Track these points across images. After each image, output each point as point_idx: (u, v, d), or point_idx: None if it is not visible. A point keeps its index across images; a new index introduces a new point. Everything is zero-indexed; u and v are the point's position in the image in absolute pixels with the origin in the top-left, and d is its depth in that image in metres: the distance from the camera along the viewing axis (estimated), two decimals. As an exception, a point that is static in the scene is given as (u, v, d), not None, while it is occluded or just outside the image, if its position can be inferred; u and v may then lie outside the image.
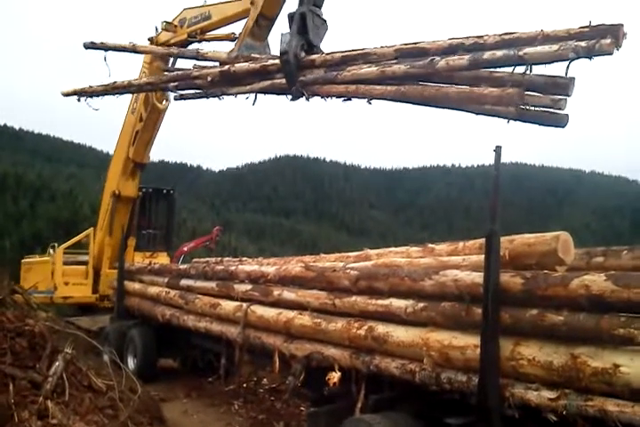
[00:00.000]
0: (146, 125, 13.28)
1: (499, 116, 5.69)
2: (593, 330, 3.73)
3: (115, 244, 13.88)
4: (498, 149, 4.51)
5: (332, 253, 9.17)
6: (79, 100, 11.34)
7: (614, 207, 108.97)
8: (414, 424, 4.97)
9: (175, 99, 10.69)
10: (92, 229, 15.24)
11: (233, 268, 8.16)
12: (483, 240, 4.66)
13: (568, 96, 5.27)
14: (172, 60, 12.40)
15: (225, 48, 10.57)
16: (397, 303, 5.18)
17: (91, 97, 11.29)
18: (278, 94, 8.23)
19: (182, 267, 10.27)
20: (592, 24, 5.04)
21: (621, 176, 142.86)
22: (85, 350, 7.61)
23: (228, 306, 7.66)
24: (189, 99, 9.89)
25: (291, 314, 6.41)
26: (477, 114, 5.89)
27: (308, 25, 7.95)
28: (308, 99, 7.76)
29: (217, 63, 9.45)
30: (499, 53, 5.43)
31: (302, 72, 7.81)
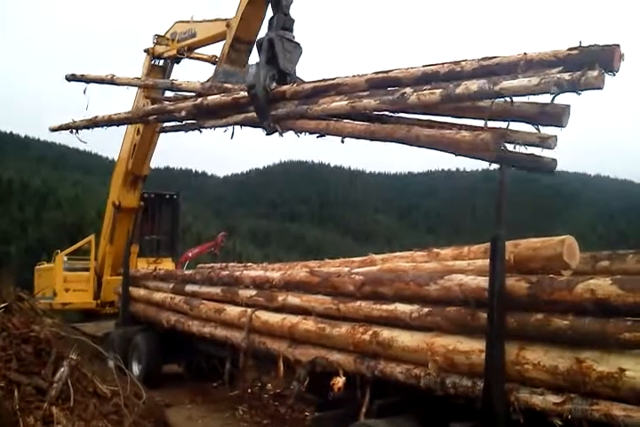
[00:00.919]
0: (143, 139, 13.30)
1: (478, 159, 5.23)
2: (598, 334, 3.71)
3: (116, 252, 13.90)
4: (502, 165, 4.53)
5: (337, 258, 9.18)
6: (71, 132, 11.47)
7: (620, 211, 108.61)
8: (419, 429, 4.95)
9: (157, 132, 10.82)
10: (92, 235, 15.28)
11: (238, 273, 8.16)
12: (488, 245, 4.66)
13: (562, 127, 4.86)
14: (168, 69, 12.57)
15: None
16: (402, 308, 5.17)
17: (76, 131, 11.39)
18: (254, 127, 7.99)
19: (187, 273, 10.28)
20: (583, 45, 4.57)
21: (627, 180, 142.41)
22: (90, 356, 7.60)
23: (232, 311, 7.66)
24: (169, 132, 9.97)
25: (295, 319, 6.41)
26: (456, 155, 5.45)
27: (277, 52, 7.68)
28: (281, 134, 7.54)
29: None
30: (473, 87, 4.98)
31: (274, 105, 7.56)
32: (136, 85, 11.51)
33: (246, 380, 9.23)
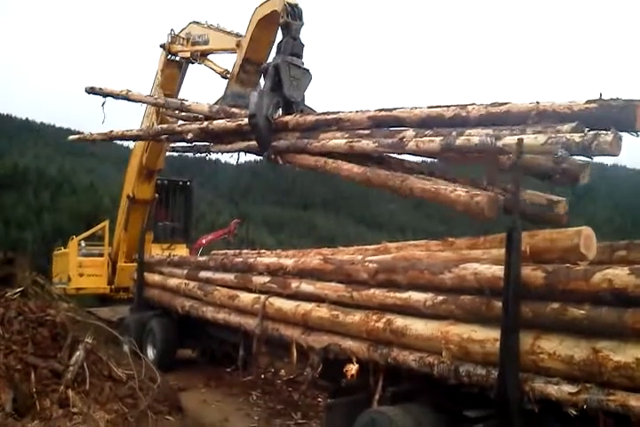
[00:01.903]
0: None
1: (473, 218, 4.88)
2: (615, 324, 3.68)
3: (130, 239, 13.99)
4: (519, 141, 4.44)
5: (351, 247, 9.17)
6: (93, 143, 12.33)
7: (638, 201, 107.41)
8: (432, 417, 4.96)
9: (167, 151, 10.83)
10: (106, 221, 15.37)
11: (251, 260, 8.18)
12: (503, 234, 4.61)
13: (578, 183, 4.51)
14: (183, 66, 12.49)
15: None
16: (416, 296, 5.15)
17: (93, 142, 12.31)
18: (257, 155, 7.89)
19: (201, 259, 10.33)
20: (602, 98, 4.22)
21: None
22: (106, 341, 7.69)
23: (246, 298, 7.68)
24: (179, 152, 10.00)
25: (309, 306, 6.41)
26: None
27: (283, 79, 7.49)
28: (282, 163, 7.41)
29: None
30: (474, 140, 4.73)
31: (276, 135, 7.42)
32: (148, 103, 11.52)
33: (260, 366, 9.28)
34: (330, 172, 6.58)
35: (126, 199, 14.27)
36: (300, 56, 7.80)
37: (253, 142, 7.79)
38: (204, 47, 11.15)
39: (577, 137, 4.03)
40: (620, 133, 4.05)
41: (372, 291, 5.67)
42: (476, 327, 4.60)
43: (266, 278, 7.48)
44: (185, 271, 10.02)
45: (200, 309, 9.05)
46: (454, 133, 5.07)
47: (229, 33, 10.21)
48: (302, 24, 7.97)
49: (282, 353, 7.16)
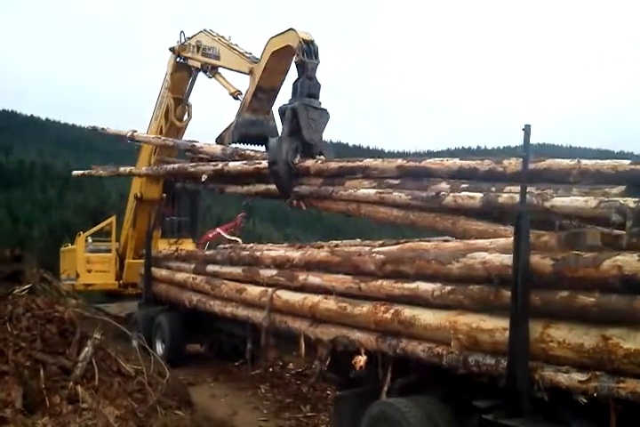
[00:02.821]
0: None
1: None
2: (625, 311, 3.64)
3: (138, 236, 13.97)
4: (527, 128, 4.39)
5: (356, 240, 9.14)
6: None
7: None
8: (441, 408, 4.95)
9: (177, 188, 10.79)
10: (114, 217, 15.37)
11: (258, 253, 8.17)
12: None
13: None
14: (193, 73, 12.35)
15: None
16: (424, 287, 5.12)
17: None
18: (276, 199, 7.76)
19: (208, 253, 10.32)
20: None
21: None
22: (114, 336, 7.71)
23: (253, 291, 7.68)
24: (191, 190, 9.96)
25: (316, 298, 6.39)
26: None
27: (301, 123, 7.40)
28: (306, 208, 7.38)
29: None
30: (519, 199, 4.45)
31: (297, 180, 7.33)
32: (155, 144, 11.42)
33: (268, 359, 9.30)
34: (364, 215, 6.48)
35: (134, 199, 14.24)
36: (316, 96, 7.69)
37: (273, 186, 7.73)
38: (215, 62, 10.92)
39: (631, 202, 3.86)
40: None
41: (379, 282, 5.65)
42: (484, 317, 4.57)
43: (273, 271, 7.47)
44: (192, 266, 10.03)
45: (208, 303, 9.05)
46: (494, 189, 4.88)
47: (242, 54, 9.93)
48: (318, 62, 7.84)
49: (290, 346, 7.15)
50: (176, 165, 9.99)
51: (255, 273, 7.85)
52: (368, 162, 6.59)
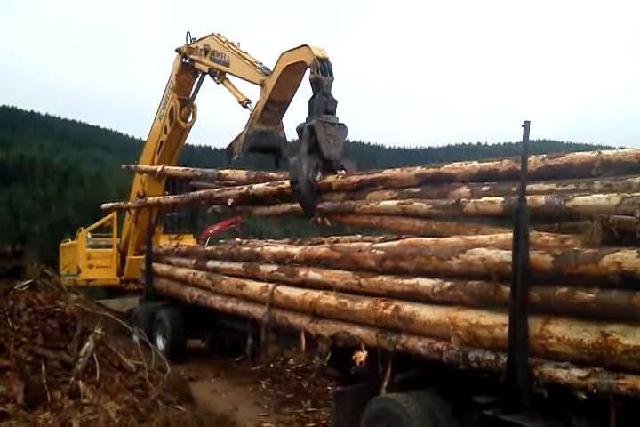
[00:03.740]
0: (170, 139, 13.13)
1: None
2: (625, 307, 3.65)
3: (140, 233, 13.97)
4: (526, 124, 4.39)
5: (356, 235, 9.14)
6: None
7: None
8: (441, 403, 4.96)
9: (208, 211, 10.92)
10: (114, 213, 15.39)
11: (259, 249, 8.18)
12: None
13: None
14: (200, 75, 12.31)
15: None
16: (424, 283, 5.13)
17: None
18: (302, 217, 7.80)
19: (209, 248, 10.34)
20: None
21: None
22: (115, 332, 7.72)
23: (254, 287, 7.69)
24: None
25: (316, 294, 6.41)
26: None
27: (319, 140, 7.41)
28: (330, 224, 7.39)
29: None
30: (540, 201, 4.45)
31: (320, 197, 7.36)
32: (185, 176, 11.48)
33: (268, 354, 9.33)
34: (387, 228, 6.47)
35: (136, 196, 14.24)
36: (333, 112, 7.69)
37: (297, 205, 7.77)
38: (224, 68, 10.80)
39: None
40: None
41: (379, 278, 5.66)
42: (484, 313, 4.58)
43: (273, 267, 7.49)
44: (193, 261, 10.04)
45: (208, 298, 9.08)
46: (514, 189, 4.82)
47: (253, 64, 9.84)
48: (333, 79, 7.83)
49: (290, 342, 7.17)
50: (202, 192, 10.12)
51: (256, 269, 7.87)
52: (387, 173, 6.60)
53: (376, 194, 6.68)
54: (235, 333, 9.43)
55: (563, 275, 4.04)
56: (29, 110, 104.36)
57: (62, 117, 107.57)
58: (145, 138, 14.77)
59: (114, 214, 15.39)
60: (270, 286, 7.30)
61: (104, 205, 14.66)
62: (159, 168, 12.19)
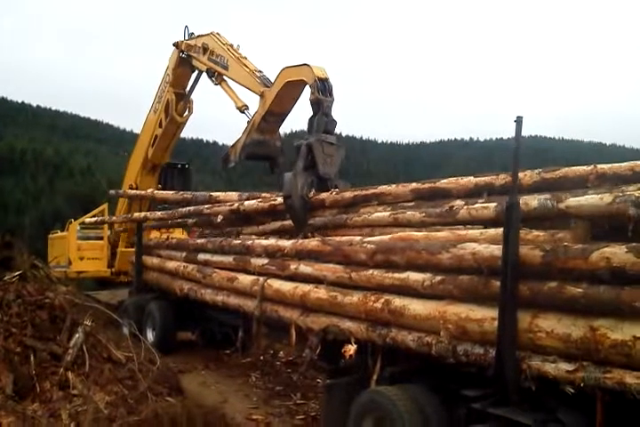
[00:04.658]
0: (165, 133, 13.10)
1: None
2: (613, 302, 3.67)
3: (131, 225, 13.96)
4: (519, 119, 4.41)
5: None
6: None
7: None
8: (430, 396, 4.98)
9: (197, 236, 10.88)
10: (106, 204, 15.35)
11: (250, 242, 8.17)
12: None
13: None
14: (196, 73, 12.23)
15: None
16: (414, 277, 5.15)
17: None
18: (292, 234, 7.80)
19: (199, 241, 10.32)
20: None
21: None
22: (105, 323, 7.72)
23: (245, 280, 7.69)
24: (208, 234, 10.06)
25: (307, 288, 6.42)
26: None
27: (316, 158, 7.49)
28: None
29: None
30: (533, 203, 4.46)
31: (312, 213, 7.40)
32: (174, 200, 11.45)
33: (259, 347, 9.34)
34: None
35: (128, 188, 14.18)
36: (332, 133, 7.79)
37: (287, 222, 7.79)
38: (222, 71, 10.79)
39: None
40: None
41: (370, 271, 5.67)
42: (473, 307, 4.60)
43: (264, 260, 7.48)
44: (183, 254, 10.03)
45: (199, 291, 9.07)
46: (508, 198, 4.78)
47: (252, 73, 9.86)
48: (333, 100, 7.92)
49: (281, 335, 7.19)
50: (192, 208, 10.10)
51: (246, 262, 7.86)
52: (382, 188, 6.62)
53: (369, 209, 6.71)
54: (225, 325, 9.44)
55: (552, 270, 4.06)
56: (20, 101, 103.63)
57: (53, 109, 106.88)
58: (137, 130, 14.76)
59: (105, 206, 15.35)
60: (261, 279, 7.30)
61: (88, 220, 14.69)
62: (149, 192, 12.10)
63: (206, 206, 9.60)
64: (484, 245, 4.66)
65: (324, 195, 7.43)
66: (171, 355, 9.45)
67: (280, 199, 7.81)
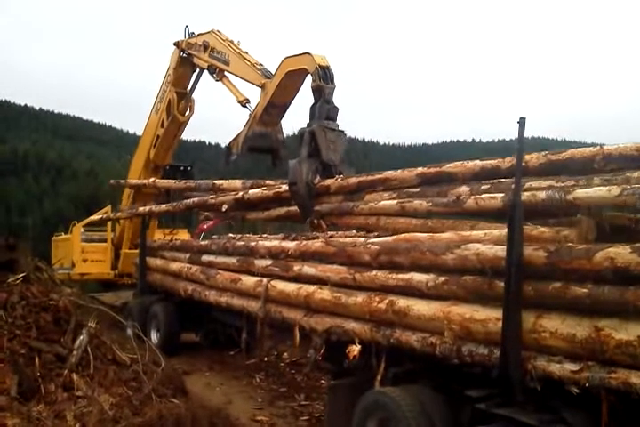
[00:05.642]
0: (166, 133, 13.12)
1: None
2: (617, 302, 3.67)
3: (135, 227, 13.98)
4: (522, 121, 4.40)
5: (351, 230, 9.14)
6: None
7: None
8: (435, 397, 4.99)
9: (200, 220, 10.89)
10: (109, 206, 15.37)
11: (253, 243, 8.19)
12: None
13: None
14: (197, 71, 12.25)
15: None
16: (418, 277, 5.15)
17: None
18: (296, 222, 7.84)
19: (203, 243, 10.34)
20: None
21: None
22: (109, 325, 7.72)
23: (248, 281, 7.70)
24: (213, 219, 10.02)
25: (311, 289, 6.42)
26: None
27: (320, 144, 7.50)
28: (326, 227, 7.39)
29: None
30: (541, 195, 4.50)
31: (318, 199, 7.39)
32: (177, 188, 11.51)
33: (263, 349, 9.33)
34: (384, 227, 6.43)
35: (130, 190, 14.20)
36: (334, 119, 7.77)
37: (293, 208, 7.78)
38: (224, 67, 10.81)
39: None
40: None
41: (374, 272, 5.67)
42: (477, 307, 4.60)
43: (268, 261, 7.49)
44: (187, 255, 10.04)
45: (203, 292, 9.08)
46: (513, 186, 4.70)
47: (253, 66, 9.87)
48: (334, 87, 7.91)
49: (285, 336, 7.19)
50: (196, 199, 10.12)
51: (250, 263, 7.88)
52: (388, 174, 6.58)
53: (374, 195, 6.68)
54: (229, 327, 9.44)
55: (556, 270, 4.06)
56: (23, 104, 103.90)
57: (56, 111, 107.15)
58: (140, 132, 14.77)
59: (108, 208, 15.37)
60: (265, 280, 7.31)
61: (93, 217, 14.71)
62: (149, 182, 12.14)
63: (211, 197, 9.60)
64: (488, 245, 4.66)
65: (329, 181, 7.41)
66: (175, 356, 9.46)
67: (285, 187, 7.81)
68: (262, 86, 9.40)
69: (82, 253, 14.92)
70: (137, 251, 12.66)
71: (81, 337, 6.43)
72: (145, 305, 11.09)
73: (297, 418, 7.38)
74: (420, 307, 5.05)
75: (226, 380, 9.14)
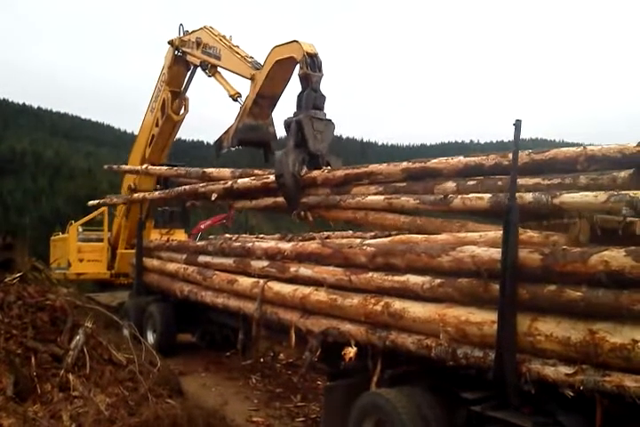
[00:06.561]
0: (161, 132, 13.09)
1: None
2: (612, 306, 3.69)
3: (131, 226, 13.96)
4: (518, 123, 4.42)
5: (348, 232, 9.17)
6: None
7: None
8: (430, 399, 4.99)
9: (187, 206, 11.00)
10: (106, 207, 15.36)
11: (250, 244, 8.19)
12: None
13: None
14: (191, 68, 12.26)
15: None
16: (414, 279, 5.17)
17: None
18: (283, 213, 7.80)
19: (200, 243, 10.34)
20: None
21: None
22: (105, 325, 7.72)
23: (245, 282, 7.70)
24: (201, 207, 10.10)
25: (307, 290, 6.43)
26: None
27: (306, 135, 7.46)
28: (313, 219, 7.40)
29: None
30: (527, 197, 4.51)
31: (305, 191, 7.38)
32: (169, 175, 11.64)
33: (259, 349, 9.35)
34: (372, 223, 6.46)
35: (127, 189, 14.19)
36: (321, 108, 7.71)
37: (280, 199, 7.78)
38: (215, 61, 10.80)
39: None
40: None
41: (370, 274, 5.69)
42: (473, 310, 4.62)
43: (264, 263, 7.50)
44: (184, 256, 10.04)
45: (199, 293, 9.08)
46: (500, 184, 4.92)
47: (244, 58, 9.84)
48: (322, 75, 7.85)
49: (281, 337, 7.20)
50: (187, 187, 10.18)
51: (247, 264, 7.88)
52: (374, 167, 6.59)
53: (361, 188, 6.69)
54: (225, 328, 9.44)
55: (551, 273, 4.08)
56: (21, 103, 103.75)
57: (54, 110, 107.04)
58: (137, 132, 14.75)
59: (105, 208, 15.35)
60: (261, 281, 7.31)
61: (90, 202, 14.74)
62: (142, 168, 12.17)
63: (201, 185, 9.64)
64: (483, 248, 4.67)
65: (315, 173, 7.39)
66: (171, 357, 9.46)
67: (272, 177, 7.78)
68: (252, 78, 9.36)
69: (78, 252, 14.90)
70: (133, 251, 12.65)
71: (77, 337, 6.44)
72: (141, 305, 11.08)
73: (293, 419, 7.39)
74: (416, 309, 5.06)
75: (222, 381, 9.13)
